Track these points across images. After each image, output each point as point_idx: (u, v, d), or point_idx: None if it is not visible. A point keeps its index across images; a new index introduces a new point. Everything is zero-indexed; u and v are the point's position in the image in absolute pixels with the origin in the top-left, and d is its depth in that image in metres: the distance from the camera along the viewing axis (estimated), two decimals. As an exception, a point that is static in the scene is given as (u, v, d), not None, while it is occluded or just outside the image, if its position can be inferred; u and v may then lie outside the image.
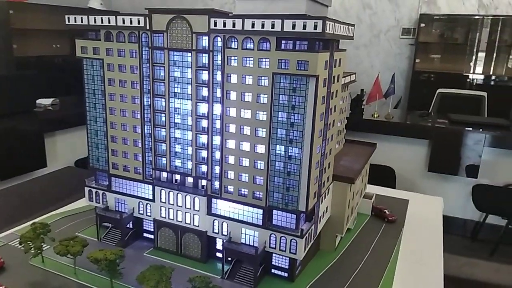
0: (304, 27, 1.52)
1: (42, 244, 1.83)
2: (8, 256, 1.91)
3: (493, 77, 6.93)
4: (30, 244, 1.80)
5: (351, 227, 2.40)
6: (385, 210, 2.60)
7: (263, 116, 1.69)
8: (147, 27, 1.81)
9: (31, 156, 4.68)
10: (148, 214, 2.05)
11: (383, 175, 5.04)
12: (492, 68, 6.89)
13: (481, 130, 4.83)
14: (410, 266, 2.06)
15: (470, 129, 4.85)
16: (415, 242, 2.31)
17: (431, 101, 6.19)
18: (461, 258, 4.93)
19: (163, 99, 1.88)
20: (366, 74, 7.55)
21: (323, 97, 1.70)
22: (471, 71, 7.01)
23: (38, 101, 5.22)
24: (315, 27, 1.51)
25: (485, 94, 5.90)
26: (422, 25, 6.97)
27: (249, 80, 1.68)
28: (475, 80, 6.97)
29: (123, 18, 1.83)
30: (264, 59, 1.64)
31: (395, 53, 7.56)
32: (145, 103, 1.92)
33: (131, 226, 2.12)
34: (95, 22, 1.90)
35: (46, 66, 7.22)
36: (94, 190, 2.15)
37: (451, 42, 7.04)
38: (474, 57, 6.96)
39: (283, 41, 1.62)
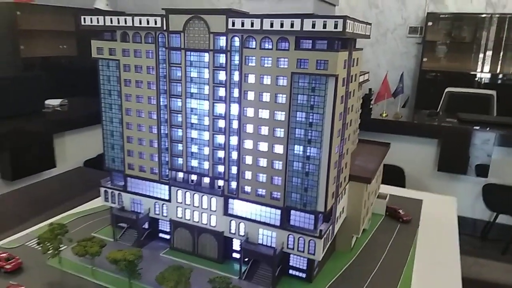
0: (324, 26, 1.51)
1: (60, 244, 1.83)
2: (25, 257, 1.91)
3: (501, 76, 6.89)
4: (48, 244, 1.80)
5: (366, 227, 2.39)
6: (400, 210, 2.59)
7: (281, 116, 1.68)
8: (164, 28, 1.80)
9: (40, 157, 4.68)
10: (164, 214, 2.04)
11: (393, 175, 5.01)
12: (499, 66, 6.85)
13: (490, 129, 4.79)
14: (428, 266, 2.05)
15: (481, 128, 4.82)
16: (431, 242, 2.29)
17: (439, 100, 6.15)
18: (470, 258, 4.89)
19: (179, 100, 1.87)
20: (373, 73, 7.48)
21: (342, 97, 1.70)
22: (479, 70, 6.98)
23: (46, 102, 5.23)
24: (336, 26, 1.50)
25: (494, 92, 5.86)
26: (430, 23, 6.94)
27: (267, 80, 1.67)
28: (482, 79, 6.93)
29: (140, 19, 1.83)
30: (282, 59, 1.63)
31: (401, 52, 7.53)
32: (161, 103, 1.92)
33: (146, 227, 2.12)
34: (111, 22, 1.90)
35: (53, 67, 7.23)
36: (109, 191, 2.15)
37: (459, 41, 7.00)
38: (481, 56, 6.92)
39: (302, 41, 1.61)
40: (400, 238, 2.33)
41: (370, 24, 1.93)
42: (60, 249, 1.83)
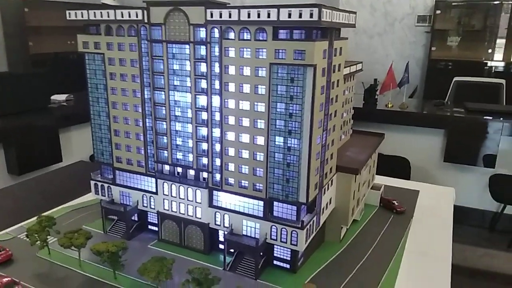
0: (300, 15, 1.49)
1: (48, 236, 1.86)
2: (16, 249, 1.95)
3: (513, 64, 6.73)
4: (36, 236, 1.83)
5: (358, 218, 2.38)
6: (394, 201, 2.56)
7: (261, 107, 1.68)
8: (145, 20, 1.81)
9: (47, 151, 4.76)
10: (152, 206, 2.06)
11: (398, 166, 4.96)
12: (513, 54, 6.70)
13: (497, 118, 4.69)
14: (416, 257, 2.02)
15: (488, 118, 4.72)
16: (423, 234, 2.27)
17: (448, 89, 6.04)
18: (479, 249, 4.83)
19: (163, 92, 1.88)
20: (381, 63, 7.44)
21: (322, 87, 1.68)
22: (490, 58, 6.83)
23: (52, 97, 5.30)
24: (311, 15, 1.48)
25: (503, 81, 5.73)
26: (438, 12, 6.81)
27: (246, 71, 1.67)
28: (493, 68, 6.79)
29: (121, 12, 1.84)
30: (261, 50, 1.62)
31: (410, 42, 7.42)
32: (145, 96, 1.93)
33: (136, 219, 2.14)
34: (95, 16, 1.91)
35: (62, 62, 7.31)
36: (99, 184, 2.18)
37: (469, 29, 6.85)
38: (493, 44, 6.77)
39: (280, 31, 1.59)
40: (392, 229, 2.31)
41: (354, 12, 1.91)
42: (48, 241, 1.87)
